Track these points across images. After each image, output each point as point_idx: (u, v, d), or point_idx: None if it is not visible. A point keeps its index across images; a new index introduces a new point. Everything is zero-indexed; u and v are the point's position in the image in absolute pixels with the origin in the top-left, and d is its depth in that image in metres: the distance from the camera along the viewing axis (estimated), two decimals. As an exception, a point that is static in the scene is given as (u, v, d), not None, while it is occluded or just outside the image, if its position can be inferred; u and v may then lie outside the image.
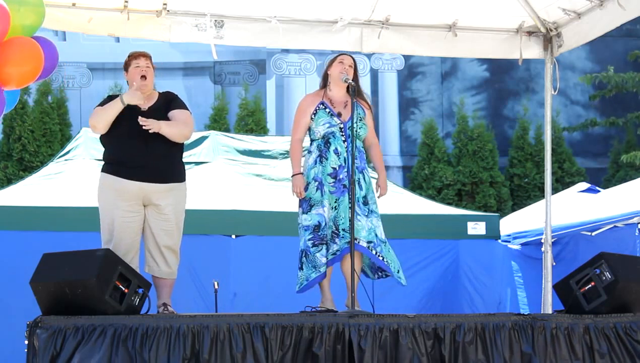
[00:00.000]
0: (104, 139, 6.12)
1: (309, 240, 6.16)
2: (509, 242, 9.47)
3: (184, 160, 6.25)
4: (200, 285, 8.39)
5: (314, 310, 5.86)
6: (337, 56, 6.42)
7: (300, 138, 6.40)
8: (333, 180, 6.22)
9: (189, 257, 8.10)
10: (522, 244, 9.40)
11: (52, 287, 5.39)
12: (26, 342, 5.21)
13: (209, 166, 9.65)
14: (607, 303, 5.73)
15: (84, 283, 5.32)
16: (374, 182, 6.39)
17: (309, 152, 6.37)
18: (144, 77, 6.10)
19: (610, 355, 5.57)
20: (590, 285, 5.81)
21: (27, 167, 13.33)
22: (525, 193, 14.62)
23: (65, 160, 9.60)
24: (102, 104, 6.12)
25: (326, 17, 7.47)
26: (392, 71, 15.69)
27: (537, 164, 14.59)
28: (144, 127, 5.85)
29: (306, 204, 6.24)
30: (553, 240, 7.87)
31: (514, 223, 9.93)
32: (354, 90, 6.15)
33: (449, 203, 12.74)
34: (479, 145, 14.42)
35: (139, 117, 5.89)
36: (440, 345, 5.43)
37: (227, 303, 8.16)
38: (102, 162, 6.18)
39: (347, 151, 6.21)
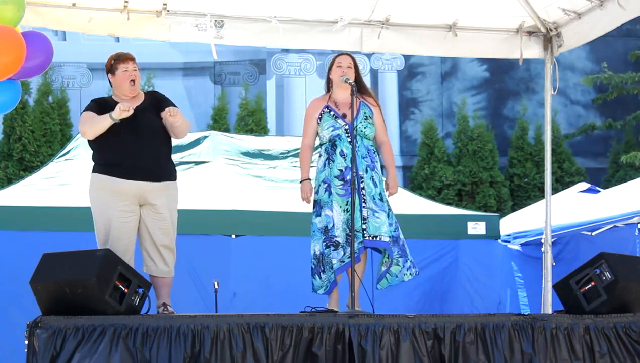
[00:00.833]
0: (94, 141, 6.07)
1: (323, 241, 6.18)
2: (509, 242, 9.47)
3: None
4: (200, 285, 8.39)
5: (314, 310, 5.86)
6: (334, 58, 6.43)
7: (309, 144, 6.43)
8: (341, 182, 6.23)
9: (189, 257, 8.13)
10: (522, 244, 9.41)
11: (52, 287, 5.39)
12: (26, 342, 5.21)
13: (209, 166, 9.65)
14: (607, 303, 5.73)
15: (84, 283, 5.32)
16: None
17: (320, 155, 6.40)
18: (132, 81, 6.12)
19: (610, 355, 5.57)
20: (590, 285, 5.81)
21: (27, 167, 13.34)
22: (525, 193, 14.62)
23: (66, 160, 9.61)
24: (88, 108, 6.10)
25: (326, 17, 7.47)
26: (392, 71, 15.69)
27: (537, 164, 14.59)
28: (170, 118, 5.90)
29: (318, 207, 6.29)
30: (553, 240, 7.87)
31: (514, 223, 9.94)
32: (353, 90, 6.15)
33: (449, 204, 12.74)
34: (479, 145, 14.42)
35: (167, 110, 5.93)
36: (440, 345, 5.43)
37: (227, 303, 8.16)
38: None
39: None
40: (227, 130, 13.68)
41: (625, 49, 15.82)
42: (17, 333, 5.85)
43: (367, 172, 6.23)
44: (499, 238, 9.31)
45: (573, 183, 12.60)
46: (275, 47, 11.68)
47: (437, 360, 5.42)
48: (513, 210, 13.16)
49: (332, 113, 6.35)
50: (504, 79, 15.99)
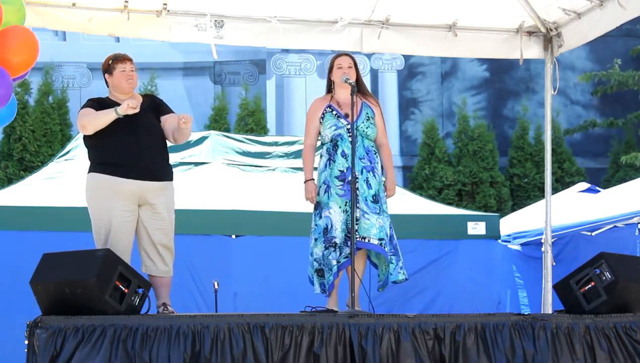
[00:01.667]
0: (92, 140, 6.07)
1: (322, 243, 6.18)
2: (509, 242, 9.48)
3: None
4: (201, 285, 8.40)
5: (314, 310, 5.86)
6: (334, 60, 6.41)
7: (311, 144, 6.42)
8: (341, 183, 6.22)
9: (189, 257, 8.14)
10: (522, 244, 9.41)
11: (52, 287, 5.39)
12: (26, 342, 5.20)
13: (208, 166, 9.65)
14: (607, 303, 5.73)
15: (84, 283, 5.32)
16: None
17: (321, 156, 6.40)
18: (130, 81, 6.13)
19: (610, 355, 5.57)
20: (590, 285, 5.81)
21: (27, 167, 13.34)
22: (525, 193, 14.61)
23: (66, 160, 9.61)
24: (86, 106, 6.09)
25: (326, 17, 7.47)
26: (392, 71, 15.68)
27: (537, 164, 14.59)
28: (183, 125, 5.93)
29: (318, 208, 6.28)
30: (553, 240, 7.87)
31: (514, 223, 9.94)
32: (353, 90, 6.15)
33: (449, 204, 12.74)
34: (479, 145, 14.41)
35: (181, 116, 5.95)
36: (440, 345, 5.43)
37: (228, 303, 8.17)
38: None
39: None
40: (227, 130, 13.67)
41: (625, 48, 15.81)
42: (17, 333, 5.85)
43: (362, 173, 6.21)
44: (499, 239, 9.31)
45: (573, 183, 12.60)
46: (275, 47, 11.67)
47: (438, 360, 5.42)
48: (513, 210, 13.16)
49: (334, 112, 6.35)
50: (504, 79, 15.99)
